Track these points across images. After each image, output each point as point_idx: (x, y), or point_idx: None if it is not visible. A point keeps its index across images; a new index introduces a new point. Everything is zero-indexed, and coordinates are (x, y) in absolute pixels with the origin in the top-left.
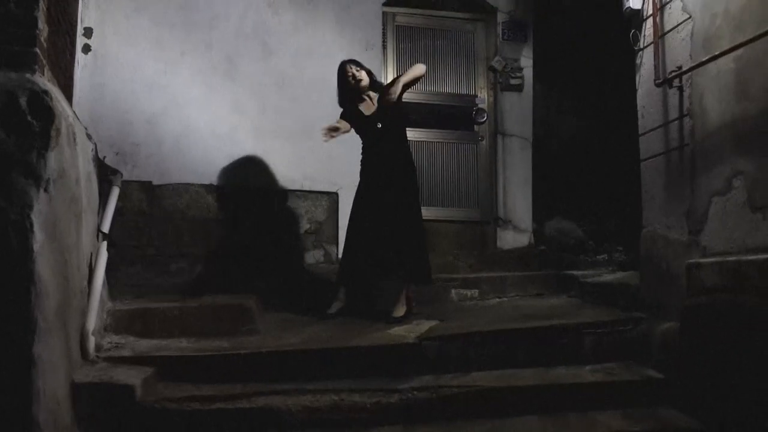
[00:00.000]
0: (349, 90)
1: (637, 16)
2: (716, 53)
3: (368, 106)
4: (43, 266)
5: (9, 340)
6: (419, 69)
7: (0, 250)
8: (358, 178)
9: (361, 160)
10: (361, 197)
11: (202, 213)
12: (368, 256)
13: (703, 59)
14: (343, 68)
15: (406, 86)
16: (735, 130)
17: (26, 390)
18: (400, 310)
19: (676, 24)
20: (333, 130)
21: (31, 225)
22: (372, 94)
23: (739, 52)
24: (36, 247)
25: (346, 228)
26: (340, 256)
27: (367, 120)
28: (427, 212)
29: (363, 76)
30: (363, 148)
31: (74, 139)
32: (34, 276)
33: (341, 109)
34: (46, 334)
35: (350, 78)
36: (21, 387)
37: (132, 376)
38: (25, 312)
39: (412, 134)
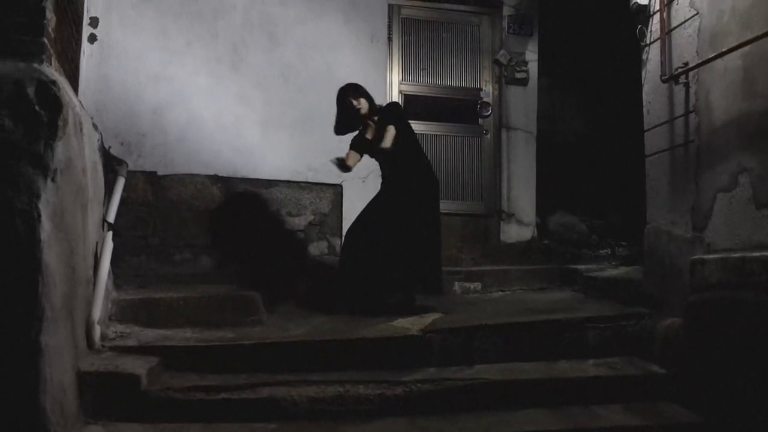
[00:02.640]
0: (351, 117)
1: (643, 12)
2: (723, 50)
3: (372, 132)
4: (51, 255)
5: (17, 328)
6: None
7: (8, 239)
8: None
9: (381, 176)
10: (379, 207)
11: (207, 203)
12: (381, 268)
13: (710, 56)
14: (343, 96)
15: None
16: (741, 126)
17: (33, 378)
18: (404, 303)
19: (683, 20)
20: (343, 165)
21: (39, 214)
22: (375, 119)
23: (747, 49)
24: (43, 236)
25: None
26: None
27: (373, 144)
28: None
29: (362, 104)
30: (380, 167)
31: (81, 129)
32: (41, 265)
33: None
34: (53, 323)
35: (349, 110)
36: (28, 375)
37: (137, 366)
38: (32, 301)
39: (416, 127)
